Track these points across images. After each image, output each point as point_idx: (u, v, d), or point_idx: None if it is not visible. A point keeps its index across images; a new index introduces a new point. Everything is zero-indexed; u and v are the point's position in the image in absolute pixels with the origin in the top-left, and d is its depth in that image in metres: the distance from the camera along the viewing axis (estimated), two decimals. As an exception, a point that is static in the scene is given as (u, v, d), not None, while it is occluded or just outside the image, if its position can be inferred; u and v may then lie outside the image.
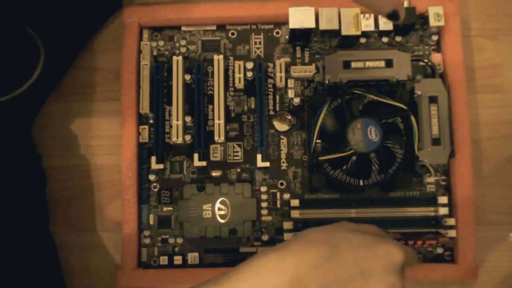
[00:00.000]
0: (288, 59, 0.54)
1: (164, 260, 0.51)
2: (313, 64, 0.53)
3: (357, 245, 0.36)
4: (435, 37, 0.53)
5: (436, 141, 0.49)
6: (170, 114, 0.53)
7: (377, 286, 0.35)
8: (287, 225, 0.50)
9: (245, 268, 0.34)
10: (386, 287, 0.35)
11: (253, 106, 0.53)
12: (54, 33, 0.50)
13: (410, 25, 0.52)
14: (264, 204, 0.51)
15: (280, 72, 0.53)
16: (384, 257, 0.35)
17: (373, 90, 0.50)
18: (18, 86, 0.47)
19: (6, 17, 0.46)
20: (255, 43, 0.54)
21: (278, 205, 0.52)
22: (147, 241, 0.52)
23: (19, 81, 0.47)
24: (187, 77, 0.53)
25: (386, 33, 0.53)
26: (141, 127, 0.53)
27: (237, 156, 0.53)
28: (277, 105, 0.53)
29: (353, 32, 0.51)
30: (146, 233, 0.52)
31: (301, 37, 0.52)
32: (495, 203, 0.53)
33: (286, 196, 0.52)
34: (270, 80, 0.53)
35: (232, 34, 0.54)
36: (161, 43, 0.54)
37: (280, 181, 0.52)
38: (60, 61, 0.53)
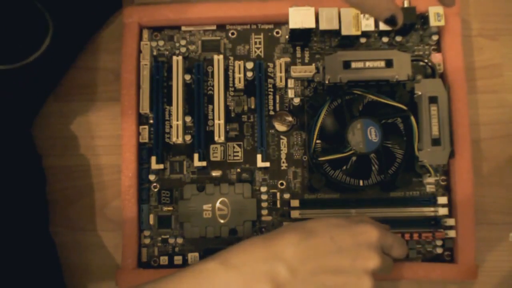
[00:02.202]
0: (288, 59, 0.54)
1: (164, 260, 0.51)
2: (313, 64, 0.53)
3: (334, 226, 0.40)
4: (435, 37, 0.53)
5: (436, 142, 0.49)
6: (170, 114, 0.53)
7: (352, 260, 0.39)
8: (287, 225, 0.51)
9: (235, 247, 0.40)
10: (361, 262, 0.39)
11: (253, 106, 0.53)
12: (60, 8, 0.50)
13: (410, 25, 0.52)
14: (264, 204, 0.51)
15: (280, 72, 0.53)
16: (360, 235, 0.40)
17: (373, 90, 0.50)
18: (27, 57, 0.47)
19: None
20: (255, 43, 0.54)
21: (278, 205, 0.52)
22: (147, 241, 0.52)
23: (28, 53, 0.48)
24: (187, 77, 0.53)
25: (386, 33, 0.53)
26: (141, 127, 0.53)
27: (237, 156, 0.53)
28: (277, 105, 0.53)
29: (353, 32, 0.51)
30: (146, 233, 0.52)
31: (301, 37, 0.52)
32: (495, 203, 0.53)
33: (286, 196, 0.52)
34: (270, 80, 0.53)
35: (232, 34, 0.54)
36: (161, 43, 0.54)
37: (280, 181, 0.52)
38: (60, 61, 0.53)
